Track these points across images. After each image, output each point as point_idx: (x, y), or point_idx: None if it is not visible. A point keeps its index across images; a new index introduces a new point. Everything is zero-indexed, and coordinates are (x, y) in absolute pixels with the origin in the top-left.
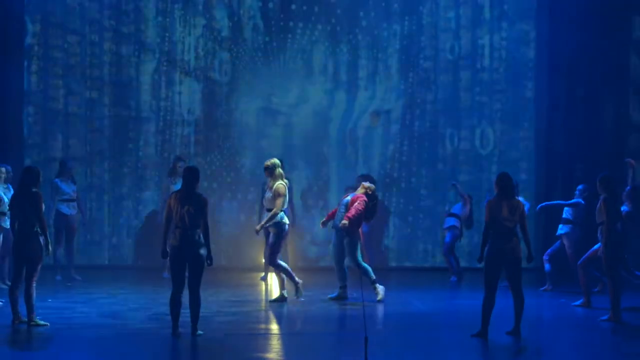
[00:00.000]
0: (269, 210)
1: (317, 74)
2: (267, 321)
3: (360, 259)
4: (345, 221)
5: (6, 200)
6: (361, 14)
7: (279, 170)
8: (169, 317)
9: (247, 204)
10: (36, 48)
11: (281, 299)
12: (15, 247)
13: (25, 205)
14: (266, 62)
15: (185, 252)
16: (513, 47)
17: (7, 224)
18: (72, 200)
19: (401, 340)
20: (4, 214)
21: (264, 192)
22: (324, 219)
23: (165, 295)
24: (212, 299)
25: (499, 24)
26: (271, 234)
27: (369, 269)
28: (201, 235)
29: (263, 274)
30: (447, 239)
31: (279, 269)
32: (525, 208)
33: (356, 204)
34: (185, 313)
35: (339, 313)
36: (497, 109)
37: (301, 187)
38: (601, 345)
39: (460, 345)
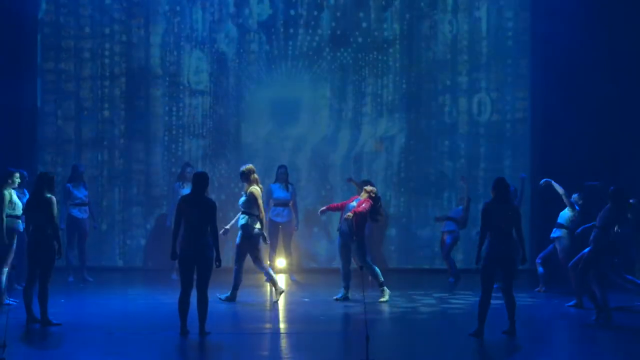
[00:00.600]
0: (244, 212)
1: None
2: (272, 321)
3: (369, 261)
4: (350, 214)
5: (20, 204)
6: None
7: (254, 175)
8: (178, 317)
9: None
10: (49, 63)
11: (280, 292)
12: (29, 250)
13: (39, 209)
14: (269, 71)
15: (194, 254)
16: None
17: (21, 227)
18: (84, 205)
19: (401, 339)
20: (18, 217)
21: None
22: (324, 208)
23: (174, 296)
24: (219, 299)
25: None
26: (240, 237)
27: (378, 271)
28: (210, 238)
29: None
30: (448, 241)
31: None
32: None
33: (363, 205)
34: (192, 313)
35: (342, 313)
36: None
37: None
38: (593, 342)
39: (458, 344)
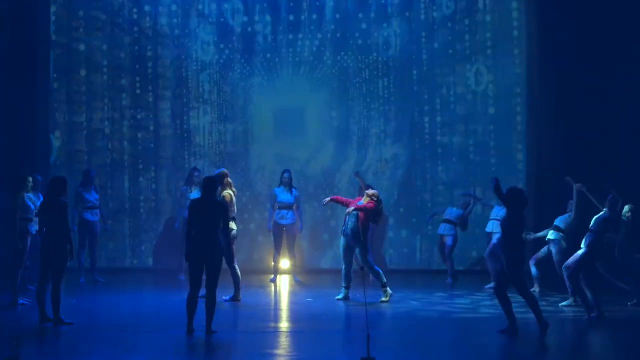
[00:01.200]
0: None
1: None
2: (276, 320)
3: (373, 263)
4: (352, 207)
5: (33, 207)
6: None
7: (228, 179)
8: (185, 317)
9: (258, 217)
10: (62, 63)
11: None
12: (42, 252)
13: (52, 212)
14: (270, 79)
15: (203, 256)
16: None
17: (33, 229)
18: (95, 208)
19: (402, 338)
20: (30, 220)
21: None
22: (328, 200)
23: (182, 296)
24: (225, 300)
25: None
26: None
27: (382, 272)
28: (220, 239)
29: (272, 276)
30: (449, 243)
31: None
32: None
33: (368, 205)
34: (200, 313)
35: (344, 312)
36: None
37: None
38: (586, 339)
39: (456, 342)
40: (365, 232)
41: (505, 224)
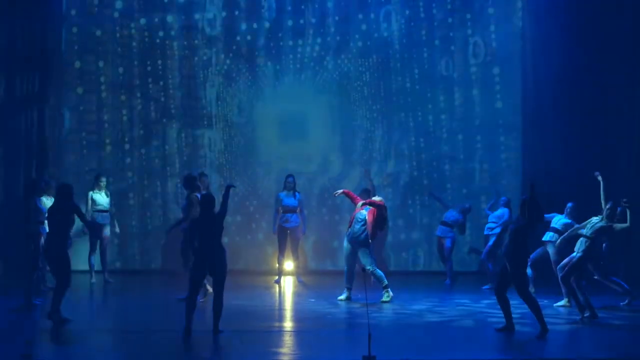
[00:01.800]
0: (185, 216)
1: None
2: (280, 319)
3: (375, 265)
4: (363, 201)
5: (45, 210)
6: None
7: (196, 182)
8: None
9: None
10: (75, 64)
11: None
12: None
13: (59, 216)
14: (273, 86)
15: (207, 263)
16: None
17: (45, 231)
18: (105, 211)
19: (402, 337)
20: (42, 222)
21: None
22: (340, 192)
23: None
24: (232, 300)
25: None
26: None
27: (383, 274)
28: (222, 246)
29: (277, 277)
30: (448, 244)
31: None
32: (506, 215)
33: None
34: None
35: (346, 312)
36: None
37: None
38: (579, 335)
39: (455, 340)
40: (374, 234)
41: (517, 231)
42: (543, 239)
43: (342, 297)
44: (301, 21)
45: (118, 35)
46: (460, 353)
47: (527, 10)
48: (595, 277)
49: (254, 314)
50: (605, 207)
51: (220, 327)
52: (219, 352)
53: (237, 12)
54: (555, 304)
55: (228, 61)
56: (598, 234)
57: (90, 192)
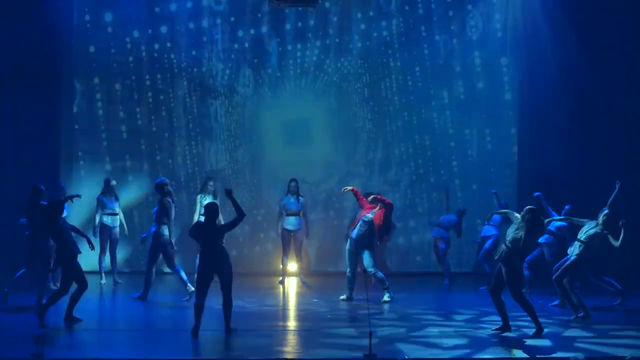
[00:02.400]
0: (156, 220)
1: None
2: (284, 319)
3: (376, 267)
4: (374, 195)
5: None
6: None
7: (167, 187)
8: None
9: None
10: (86, 75)
11: (190, 292)
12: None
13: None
14: (275, 93)
15: (212, 270)
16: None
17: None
18: (115, 214)
19: (401, 336)
20: None
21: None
22: (349, 188)
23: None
24: (237, 300)
25: None
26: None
27: (384, 276)
28: (225, 250)
29: (281, 278)
30: (442, 246)
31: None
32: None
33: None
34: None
35: (347, 312)
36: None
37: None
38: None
39: (452, 338)
40: (381, 237)
41: (517, 241)
42: (539, 240)
43: (344, 297)
44: (299, 24)
45: (113, 50)
46: (459, 350)
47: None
48: (590, 280)
49: (259, 314)
50: (602, 212)
51: (232, 326)
52: (226, 351)
53: (232, 19)
54: (550, 304)
55: (228, 71)
56: (591, 240)
57: (101, 196)
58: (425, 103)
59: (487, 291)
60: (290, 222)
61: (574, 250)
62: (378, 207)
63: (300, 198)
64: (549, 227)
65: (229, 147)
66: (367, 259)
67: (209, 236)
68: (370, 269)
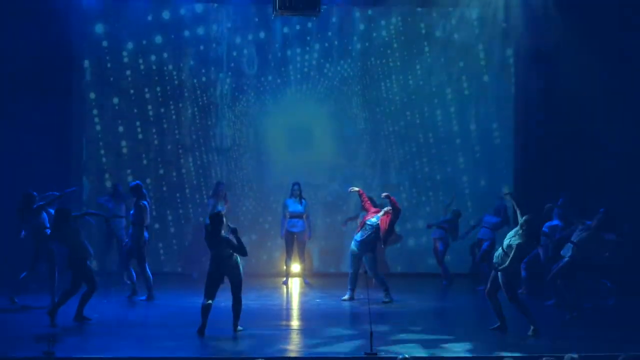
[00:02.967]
0: (133, 223)
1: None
2: (288, 318)
3: (378, 270)
4: (386, 193)
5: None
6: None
7: (142, 191)
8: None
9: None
10: (94, 87)
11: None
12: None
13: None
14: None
15: (220, 274)
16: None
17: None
18: (120, 217)
19: (402, 334)
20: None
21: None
22: (357, 190)
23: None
24: (243, 300)
25: None
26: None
27: (385, 279)
28: (234, 258)
29: (284, 278)
30: (440, 247)
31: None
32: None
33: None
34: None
35: (349, 311)
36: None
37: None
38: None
39: (451, 337)
40: (385, 240)
41: (510, 247)
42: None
43: (346, 297)
44: (297, 27)
45: (109, 65)
46: (458, 348)
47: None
48: (584, 280)
49: (264, 313)
50: (596, 216)
51: (240, 325)
52: (231, 349)
53: (229, 25)
54: (545, 303)
55: (228, 80)
56: (584, 242)
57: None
58: (428, 101)
59: (484, 292)
60: (294, 224)
61: (566, 251)
62: (383, 212)
63: (303, 201)
64: (543, 229)
65: (234, 156)
66: (369, 261)
67: (215, 244)
68: (372, 272)
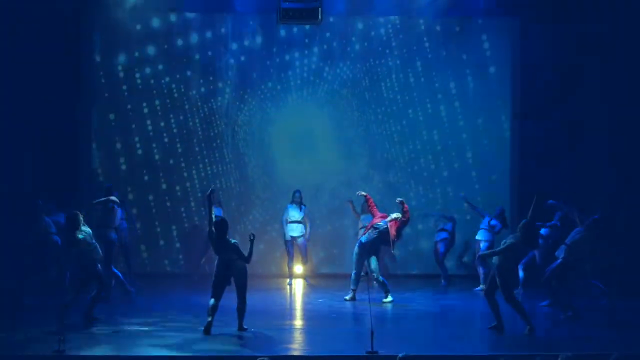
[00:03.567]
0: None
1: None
2: (291, 318)
3: (379, 272)
4: (401, 198)
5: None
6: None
7: (113, 192)
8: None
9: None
10: (104, 89)
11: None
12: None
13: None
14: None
15: (225, 276)
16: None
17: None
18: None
19: (402, 334)
20: (55, 232)
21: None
22: (365, 194)
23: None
24: (248, 300)
25: None
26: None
27: (386, 282)
28: (240, 262)
29: (288, 279)
30: (441, 249)
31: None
32: (499, 226)
33: (394, 224)
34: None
35: (351, 311)
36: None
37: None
38: (563, 335)
39: (451, 337)
40: (393, 243)
41: (509, 249)
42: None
43: (348, 297)
44: (295, 29)
45: (103, 80)
46: (457, 347)
47: None
48: (577, 281)
49: (268, 313)
50: (591, 218)
51: (245, 325)
52: (234, 348)
53: (223, 30)
54: (541, 304)
55: (228, 89)
56: (578, 244)
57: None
58: (431, 97)
59: (482, 291)
60: (292, 229)
61: (560, 253)
62: (390, 218)
63: (303, 207)
64: (540, 232)
65: (239, 165)
66: (372, 263)
67: (222, 249)
68: (374, 274)
